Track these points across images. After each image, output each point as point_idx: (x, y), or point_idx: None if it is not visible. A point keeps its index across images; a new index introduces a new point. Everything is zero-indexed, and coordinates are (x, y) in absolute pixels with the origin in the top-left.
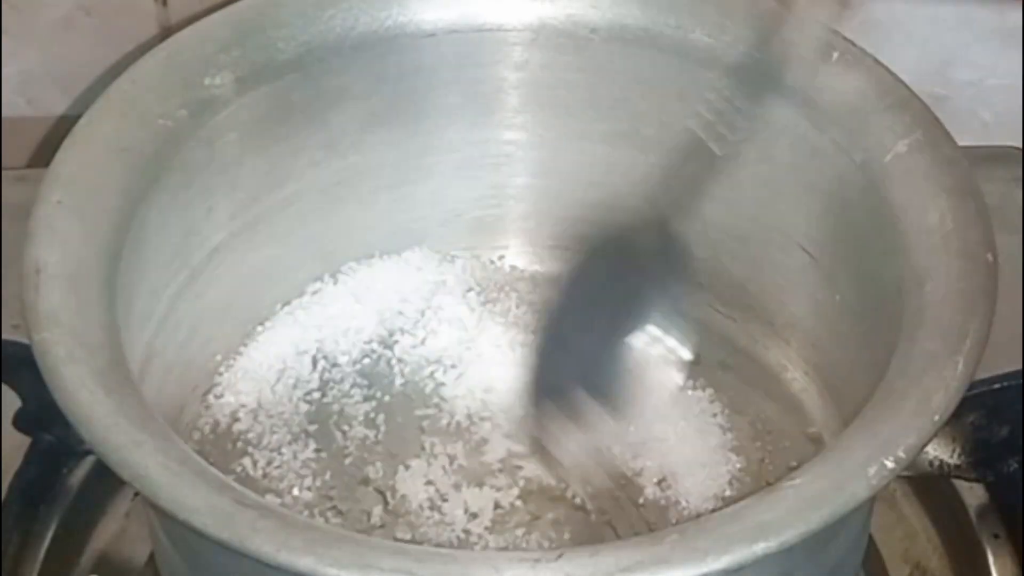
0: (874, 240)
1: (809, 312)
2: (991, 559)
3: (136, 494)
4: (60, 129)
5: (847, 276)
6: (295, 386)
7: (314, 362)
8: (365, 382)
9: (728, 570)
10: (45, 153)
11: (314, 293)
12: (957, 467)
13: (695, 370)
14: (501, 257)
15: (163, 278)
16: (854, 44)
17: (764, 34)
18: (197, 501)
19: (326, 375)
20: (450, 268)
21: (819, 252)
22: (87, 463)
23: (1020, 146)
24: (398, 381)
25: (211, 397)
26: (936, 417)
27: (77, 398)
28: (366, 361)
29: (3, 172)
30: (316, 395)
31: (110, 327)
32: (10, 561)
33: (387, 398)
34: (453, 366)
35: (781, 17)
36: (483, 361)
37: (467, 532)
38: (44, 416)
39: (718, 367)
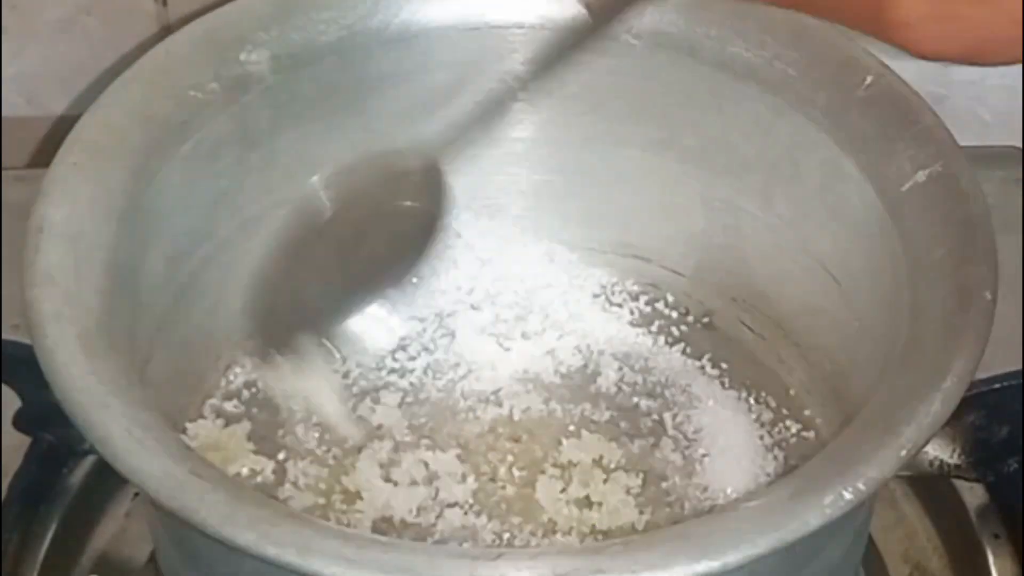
0: (888, 269)
1: (832, 336)
2: (991, 559)
3: (136, 494)
4: (60, 129)
5: (866, 303)
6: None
7: None
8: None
9: None
10: (45, 153)
11: None
12: (957, 467)
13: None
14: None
15: (185, 245)
16: (888, 68)
17: (803, 52)
18: (153, 467)
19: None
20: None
21: (842, 276)
22: (87, 463)
23: (1020, 146)
24: (420, 365)
25: (235, 369)
26: (903, 452)
27: (54, 356)
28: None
29: (3, 172)
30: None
31: (105, 291)
32: (10, 561)
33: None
34: (470, 371)
35: (821, 36)
36: (494, 355)
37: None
38: (44, 416)
39: (743, 387)
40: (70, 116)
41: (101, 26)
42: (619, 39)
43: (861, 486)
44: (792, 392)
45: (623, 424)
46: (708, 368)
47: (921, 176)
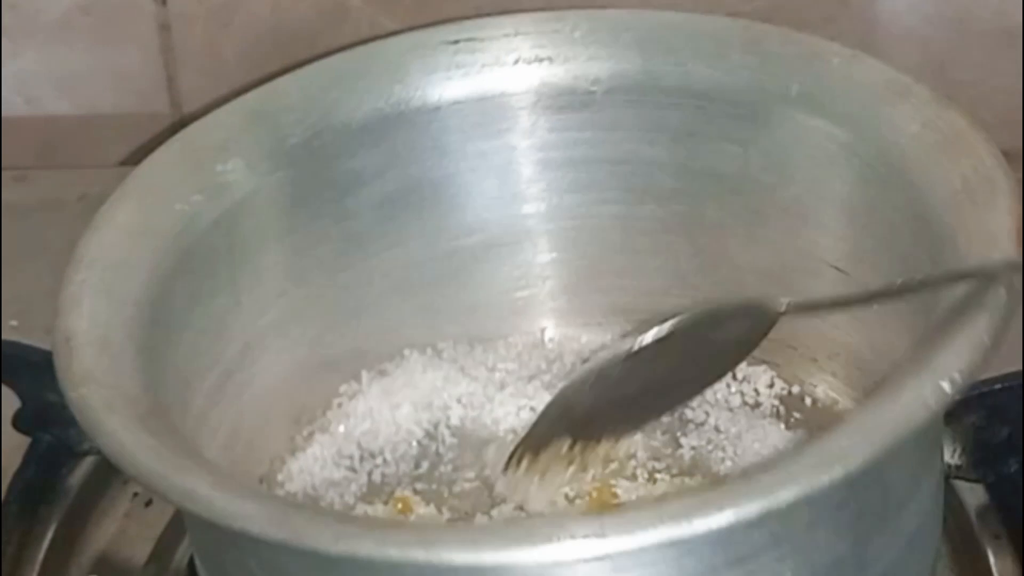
0: (902, 226)
1: (849, 332)
2: (992, 560)
3: (135, 494)
4: (60, 129)
5: (882, 278)
6: (346, 489)
7: (360, 463)
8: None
9: (798, 502)
10: (45, 153)
11: (351, 396)
12: (957, 467)
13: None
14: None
15: (197, 371)
16: (844, 47)
17: (763, 55)
18: (250, 509)
19: (374, 476)
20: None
21: (849, 265)
22: (87, 463)
23: (1020, 146)
24: (448, 474)
25: None
26: (986, 339)
27: (120, 439)
28: (412, 457)
29: (3, 172)
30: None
31: (146, 385)
32: (10, 561)
33: (439, 489)
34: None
35: (777, 37)
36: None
37: None
38: (44, 416)
39: (770, 411)
40: (70, 116)
41: (101, 26)
42: (578, 90)
43: (956, 376)
44: (820, 404)
45: (674, 467)
46: (733, 401)
47: (914, 127)
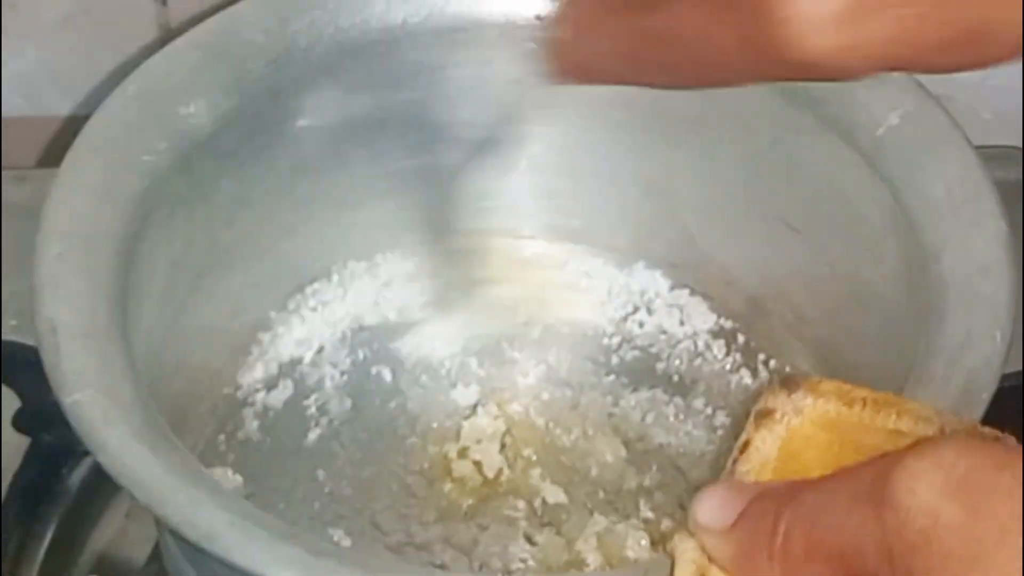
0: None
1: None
2: None
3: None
4: (60, 129)
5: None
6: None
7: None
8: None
9: None
10: (45, 153)
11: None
12: None
13: None
14: None
15: (154, 315)
16: None
17: None
18: (272, 555)
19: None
20: None
21: (804, 226)
22: (87, 463)
23: (1020, 146)
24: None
25: None
26: (984, 395)
27: (125, 462)
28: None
29: (3, 172)
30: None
31: (137, 382)
32: (10, 561)
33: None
34: None
35: None
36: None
37: None
38: (44, 416)
39: None
40: (70, 117)
41: (101, 26)
42: None
43: None
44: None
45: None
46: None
47: (894, 118)
